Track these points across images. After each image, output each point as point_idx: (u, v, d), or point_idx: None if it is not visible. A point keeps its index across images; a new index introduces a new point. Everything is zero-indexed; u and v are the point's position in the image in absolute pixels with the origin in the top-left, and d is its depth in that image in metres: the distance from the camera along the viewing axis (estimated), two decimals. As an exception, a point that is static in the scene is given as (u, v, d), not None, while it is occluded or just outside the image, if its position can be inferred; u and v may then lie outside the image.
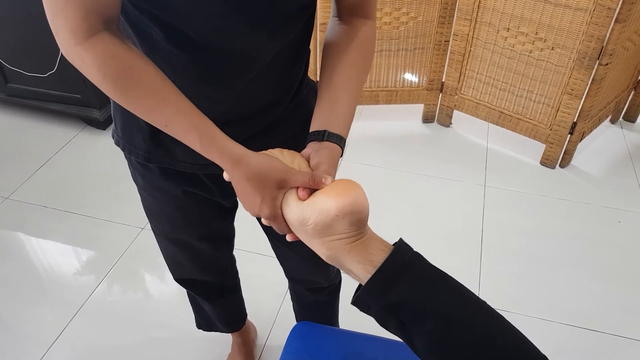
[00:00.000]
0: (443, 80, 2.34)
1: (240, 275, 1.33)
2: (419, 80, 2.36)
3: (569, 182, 2.15)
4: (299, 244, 1.10)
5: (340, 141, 0.76)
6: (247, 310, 1.43)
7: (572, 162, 2.23)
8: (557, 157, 2.19)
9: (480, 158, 2.27)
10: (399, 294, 0.55)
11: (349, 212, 0.59)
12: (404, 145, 2.35)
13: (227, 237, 1.14)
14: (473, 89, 2.28)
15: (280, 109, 0.86)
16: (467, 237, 1.89)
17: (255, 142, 0.77)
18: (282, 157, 0.70)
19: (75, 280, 1.73)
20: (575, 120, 2.08)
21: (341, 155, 0.76)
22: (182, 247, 1.07)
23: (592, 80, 1.98)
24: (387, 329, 0.59)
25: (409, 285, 0.56)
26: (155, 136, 0.83)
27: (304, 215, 0.62)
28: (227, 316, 1.37)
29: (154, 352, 1.52)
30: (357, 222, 0.59)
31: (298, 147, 0.76)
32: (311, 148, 0.74)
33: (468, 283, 1.71)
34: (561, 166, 2.22)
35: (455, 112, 2.39)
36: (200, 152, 0.67)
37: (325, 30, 1.02)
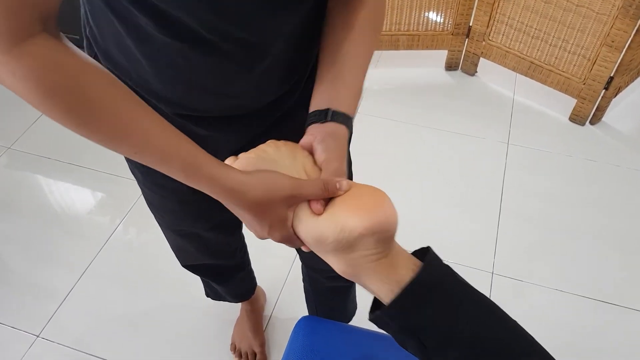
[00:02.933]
0: (470, 25, 2.14)
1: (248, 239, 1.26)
2: (443, 23, 2.16)
3: (598, 141, 2.02)
4: None
5: (347, 121, 0.63)
6: (255, 275, 1.40)
7: (603, 119, 2.09)
8: (588, 113, 2.04)
9: (505, 111, 2.13)
10: (425, 318, 0.49)
11: (377, 230, 0.50)
12: (424, 95, 2.20)
13: (239, 224, 1.07)
14: (503, 35, 2.09)
15: (295, 97, 0.75)
16: (485, 199, 1.80)
17: (268, 136, 0.67)
18: (279, 156, 0.59)
19: (84, 234, 1.70)
20: (612, 75, 1.92)
21: (349, 140, 0.64)
22: (188, 238, 1.01)
23: (637, 31, 1.79)
24: (404, 349, 0.53)
25: (436, 308, 0.49)
26: None
27: (321, 233, 0.52)
28: (236, 291, 1.34)
29: (164, 317, 1.51)
30: (385, 240, 0.51)
31: None
32: (312, 134, 0.62)
33: (483, 249, 1.62)
34: (591, 123, 2.08)
35: (482, 60, 2.21)
36: (184, 182, 0.56)
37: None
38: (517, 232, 1.71)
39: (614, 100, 2.04)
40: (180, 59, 0.61)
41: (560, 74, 2.02)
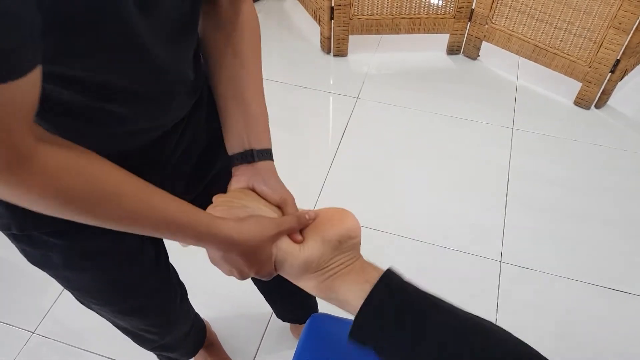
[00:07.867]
0: (473, 7, 2.09)
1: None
2: (445, 6, 2.11)
3: (604, 125, 1.98)
4: None
5: (271, 155, 0.70)
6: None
7: (608, 102, 2.05)
8: (594, 97, 2.00)
9: (508, 96, 2.08)
10: (398, 315, 0.53)
11: (350, 235, 0.60)
12: (425, 80, 2.15)
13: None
14: (506, 18, 2.04)
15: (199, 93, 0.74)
16: (491, 186, 1.76)
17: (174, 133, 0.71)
18: (247, 201, 0.65)
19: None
20: (618, 58, 1.87)
21: None
22: (138, 313, 0.91)
23: (644, 12, 1.75)
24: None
25: (406, 308, 0.54)
26: None
27: (307, 257, 0.59)
28: (192, 346, 1.23)
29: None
30: (355, 245, 0.61)
31: (209, 129, 0.74)
32: (245, 175, 0.67)
33: (490, 237, 1.58)
34: (597, 107, 2.04)
35: (484, 44, 2.16)
36: (190, 244, 0.59)
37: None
38: (524, 218, 1.67)
39: (619, 83, 2.01)
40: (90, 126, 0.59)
41: (565, 57, 1.97)
